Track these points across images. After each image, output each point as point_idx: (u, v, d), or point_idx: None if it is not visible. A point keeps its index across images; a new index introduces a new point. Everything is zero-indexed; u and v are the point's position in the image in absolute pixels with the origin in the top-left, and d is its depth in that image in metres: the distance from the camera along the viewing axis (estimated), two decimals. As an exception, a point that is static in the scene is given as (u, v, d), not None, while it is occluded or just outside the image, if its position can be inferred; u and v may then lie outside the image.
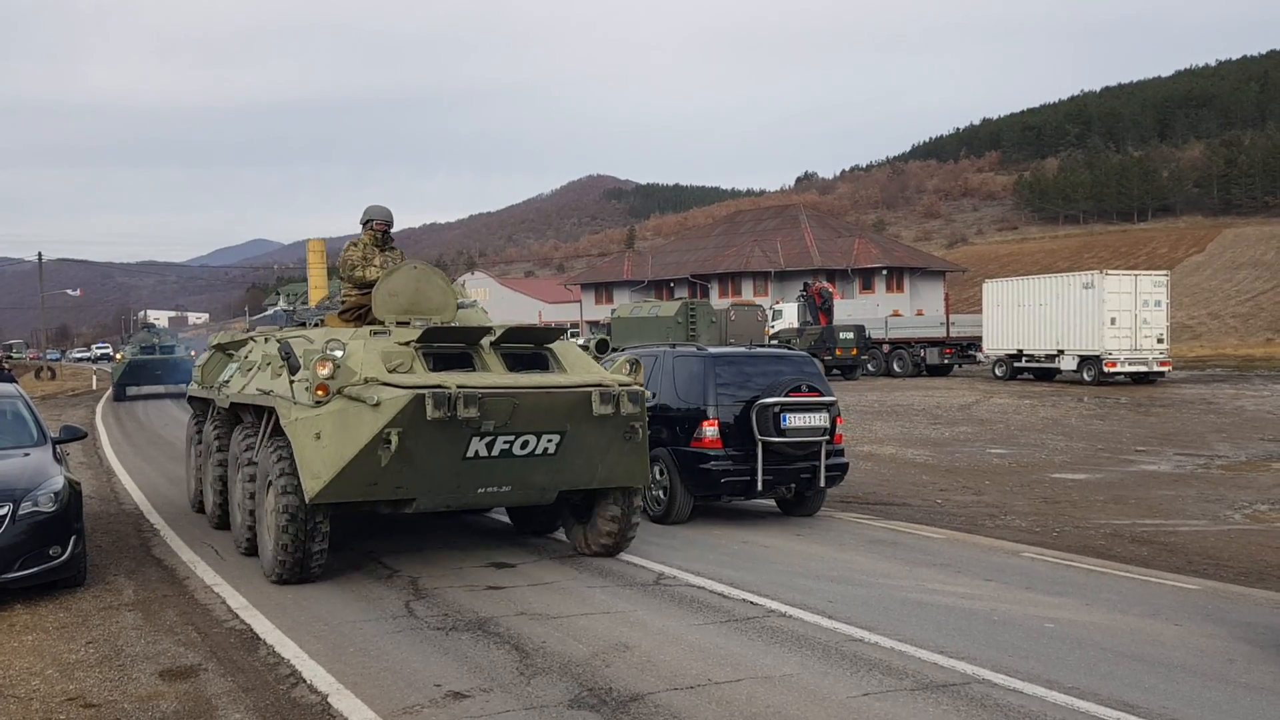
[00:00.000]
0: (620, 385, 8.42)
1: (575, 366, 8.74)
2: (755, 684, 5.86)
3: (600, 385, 8.34)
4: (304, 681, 5.92)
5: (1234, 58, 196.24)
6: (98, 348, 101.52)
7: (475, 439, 7.87)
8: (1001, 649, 6.55)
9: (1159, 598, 7.99)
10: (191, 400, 12.35)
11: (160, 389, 36.24)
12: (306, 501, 7.78)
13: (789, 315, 47.61)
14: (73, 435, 9.59)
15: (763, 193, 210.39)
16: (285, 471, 8.00)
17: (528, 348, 8.79)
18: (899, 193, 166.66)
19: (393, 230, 10.12)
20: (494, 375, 8.17)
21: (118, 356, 37.66)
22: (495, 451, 8.05)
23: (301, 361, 8.11)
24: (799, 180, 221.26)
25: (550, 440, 8.20)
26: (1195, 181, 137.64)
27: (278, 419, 8.23)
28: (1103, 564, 9.22)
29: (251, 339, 10.74)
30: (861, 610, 7.50)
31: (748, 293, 67.02)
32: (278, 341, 8.95)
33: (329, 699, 5.62)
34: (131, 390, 35.71)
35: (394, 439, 7.55)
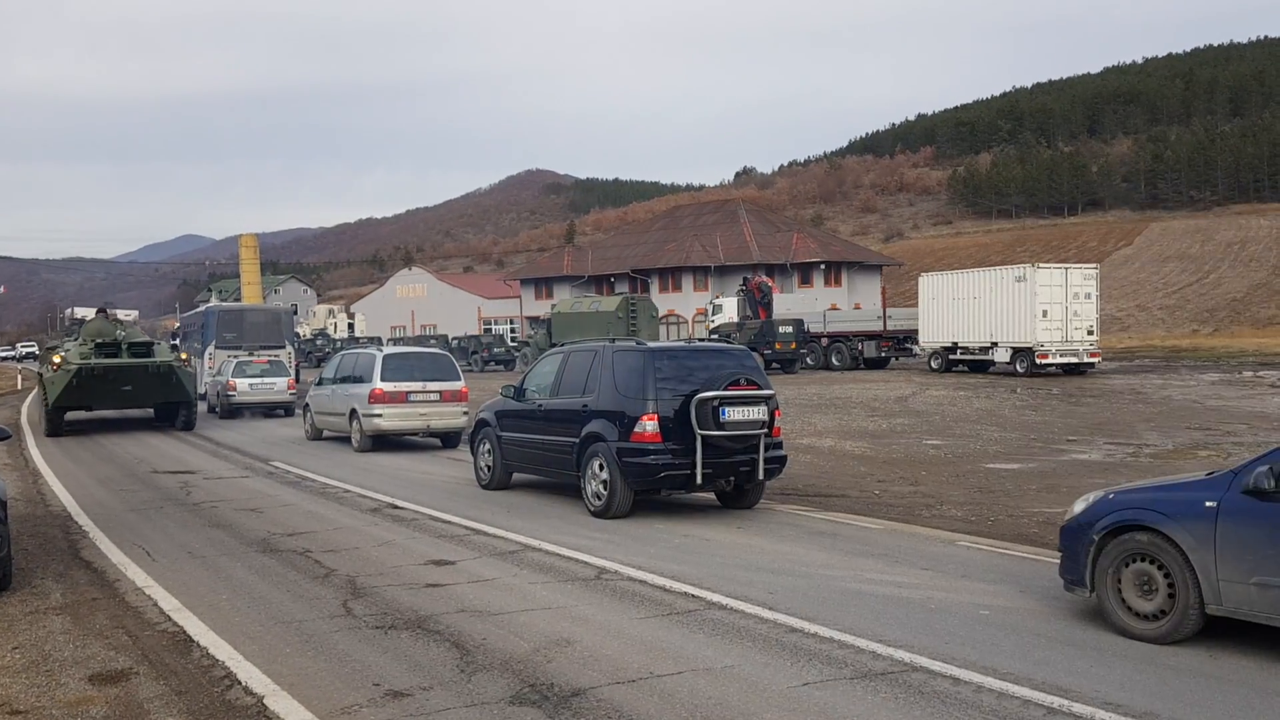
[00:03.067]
0: None
1: None
2: (697, 676, 5.88)
3: None
4: (239, 684, 5.81)
5: (1160, 55, 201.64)
6: (23, 346, 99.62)
7: None
8: (938, 636, 6.64)
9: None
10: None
11: (113, 414, 25.52)
12: None
13: (729, 310, 48.03)
14: (-4, 436, 9.09)
15: (702, 187, 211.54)
16: None
17: None
18: (836, 188, 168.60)
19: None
20: None
21: (55, 360, 21.18)
22: None
23: None
24: (738, 175, 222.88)
25: None
26: (1123, 176, 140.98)
27: None
28: (1036, 551, 9.37)
29: None
30: (801, 601, 7.55)
31: (688, 288, 67.34)
32: None
33: (265, 700, 5.53)
34: (76, 415, 23.33)
35: None
